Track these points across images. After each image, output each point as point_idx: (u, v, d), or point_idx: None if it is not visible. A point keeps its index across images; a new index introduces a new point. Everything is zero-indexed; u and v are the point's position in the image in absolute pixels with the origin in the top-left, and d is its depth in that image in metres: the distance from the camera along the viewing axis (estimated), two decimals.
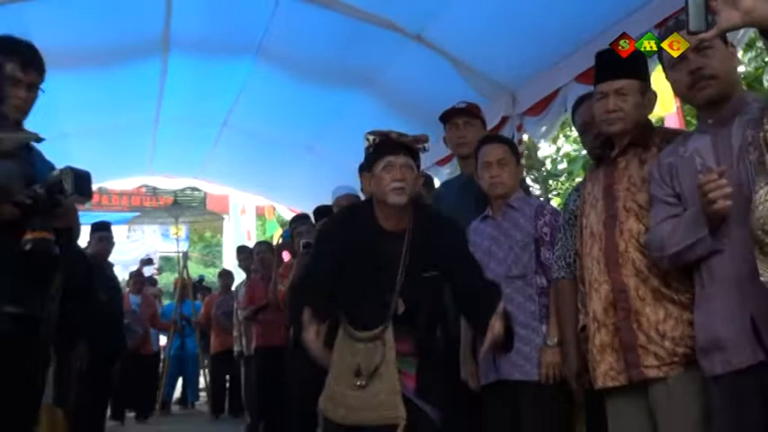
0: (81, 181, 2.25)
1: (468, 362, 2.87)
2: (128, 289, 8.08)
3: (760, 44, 7.12)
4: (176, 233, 9.75)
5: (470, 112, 3.42)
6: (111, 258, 5.89)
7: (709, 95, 1.98)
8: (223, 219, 13.58)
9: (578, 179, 9.40)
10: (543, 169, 13.81)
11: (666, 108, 4.56)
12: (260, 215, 13.63)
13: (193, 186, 12.27)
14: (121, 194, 13.11)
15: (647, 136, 2.29)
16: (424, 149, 2.57)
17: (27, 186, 2.20)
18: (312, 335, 2.33)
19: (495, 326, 2.32)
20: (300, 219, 5.24)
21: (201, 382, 9.79)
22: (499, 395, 2.75)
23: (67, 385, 4.17)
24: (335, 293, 2.54)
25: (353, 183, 4.14)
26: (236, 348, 7.43)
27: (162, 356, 9.20)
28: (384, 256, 2.50)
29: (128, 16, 4.92)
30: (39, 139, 2.33)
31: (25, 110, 2.37)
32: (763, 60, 8.45)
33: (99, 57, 5.32)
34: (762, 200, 1.67)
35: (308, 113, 6.34)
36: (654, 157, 2.19)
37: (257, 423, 6.74)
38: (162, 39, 5.32)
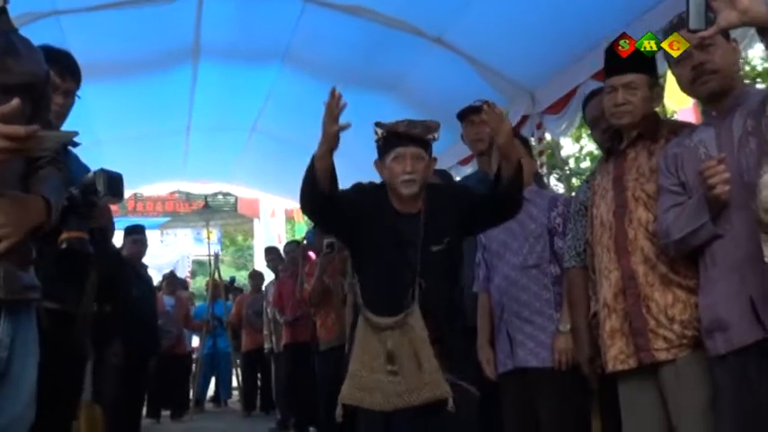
0: (113, 182, 2.34)
1: (485, 350, 2.95)
2: (161, 291, 8.16)
3: None
4: (208, 237, 9.89)
5: None
6: (144, 262, 5.99)
7: (711, 89, 2.06)
8: (253, 222, 13.63)
9: None
10: (567, 168, 13.75)
11: (682, 103, 4.57)
12: (289, 218, 13.77)
13: (225, 192, 12.47)
14: (156, 200, 13.33)
15: (655, 128, 2.36)
16: (434, 138, 2.56)
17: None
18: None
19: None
20: None
21: (234, 381, 9.92)
22: (516, 383, 2.82)
23: (104, 382, 4.21)
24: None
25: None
26: (266, 346, 7.59)
27: (195, 356, 9.34)
28: (401, 235, 2.48)
29: (159, 27, 5.06)
30: (75, 143, 2.45)
31: (63, 116, 2.49)
32: None
33: (132, 67, 5.49)
34: (767, 183, 1.75)
35: None
36: (662, 149, 2.27)
37: (287, 419, 6.88)
38: (192, 47, 5.48)
